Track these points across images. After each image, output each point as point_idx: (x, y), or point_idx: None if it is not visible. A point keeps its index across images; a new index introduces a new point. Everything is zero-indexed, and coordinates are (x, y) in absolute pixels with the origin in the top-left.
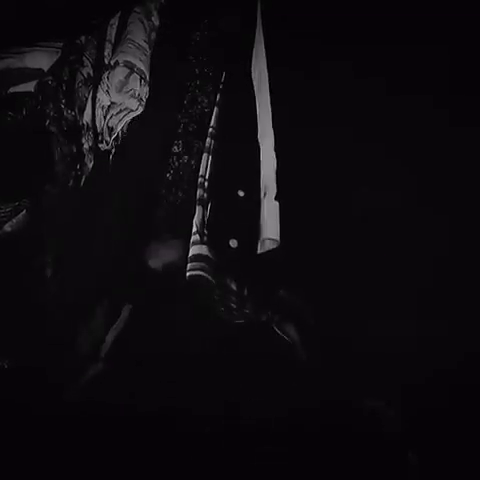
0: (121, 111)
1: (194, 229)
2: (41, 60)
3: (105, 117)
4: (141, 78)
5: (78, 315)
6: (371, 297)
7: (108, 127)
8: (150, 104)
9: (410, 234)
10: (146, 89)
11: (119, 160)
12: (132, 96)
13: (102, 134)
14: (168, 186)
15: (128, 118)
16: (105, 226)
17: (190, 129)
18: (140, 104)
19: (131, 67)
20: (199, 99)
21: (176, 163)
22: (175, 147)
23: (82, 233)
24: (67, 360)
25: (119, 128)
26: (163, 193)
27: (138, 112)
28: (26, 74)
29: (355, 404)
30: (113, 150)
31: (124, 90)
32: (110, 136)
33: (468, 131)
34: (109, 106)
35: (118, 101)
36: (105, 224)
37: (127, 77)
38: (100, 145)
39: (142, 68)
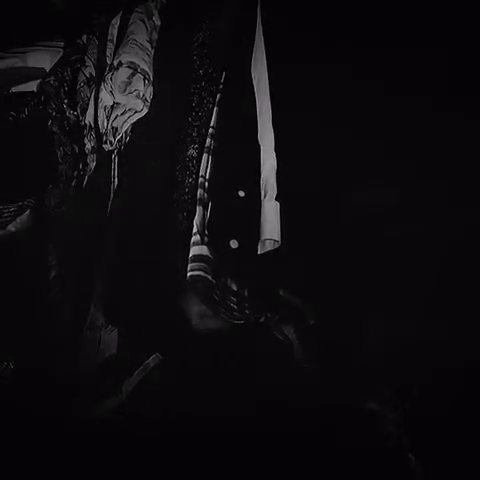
0: (126, 112)
1: (194, 229)
2: (43, 60)
3: (108, 117)
4: (145, 78)
5: (82, 317)
6: (371, 298)
7: (112, 127)
8: (156, 105)
9: (410, 234)
10: (150, 89)
11: (126, 161)
12: (137, 97)
13: (106, 135)
14: (191, 190)
15: (133, 119)
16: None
17: (203, 132)
18: (145, 105)
19: (135, 68)
20: (205, 101)
21: (196, 167)
22: (192, 151)
23: (85, 234)
24: (71, 363)
25: (124, 129)
26: (185, 198)
27: (143, 113)
28: (28, 73)
29: (354, 406)
30: (117, 151)
31: (128, 91)
32: (114, 137)
33: (466, 132)
34: (112, 106)
35: (122, 102)
36: (109, 225)
37: (130, 77)
38: (104, 145)
39: (146, 68)
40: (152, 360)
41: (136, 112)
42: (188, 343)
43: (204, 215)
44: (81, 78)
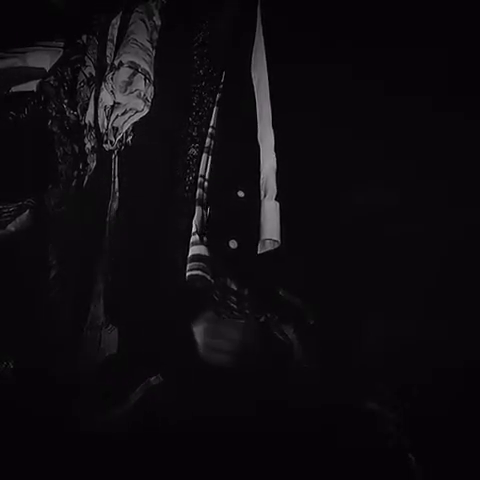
0: (126, 111)
1: (193, 229)
2: (43, 60)
3: (109, 117)
4: (146, 78)
5: (82, 316)
6: (371, 298)
7: (113, 127)
8: (157, 105)
9: (410, 234)
10: (151, 89)
11: (127, 161)
12: (137, 96)
13: (107, 134)
14: (191, 189)
15: (134, 119)
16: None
17: (203, 131)
18: (145, 104)
19: (135, 67)
20: (205, 100)
21: (196, 166)
22: (193, 150)
23: (85, 234)
24: (71, 362)
25: (124, 129)
26: (185, 197)
27: (144, 113)
28: (28, 73)
29: (354, 406)
30: (118, 151)
31: (129, 90)
32: (115, 136)
33: (466, 132)
34: (113, 106)
35: (123, 101)
36: (110, 225)
37: (131, 77)
38: (104, 145)
39: (146, 68)
40: (154, 380)
41: (137, 112)
42: (192, 371)
43: (203, 215)
44: (81, 78)
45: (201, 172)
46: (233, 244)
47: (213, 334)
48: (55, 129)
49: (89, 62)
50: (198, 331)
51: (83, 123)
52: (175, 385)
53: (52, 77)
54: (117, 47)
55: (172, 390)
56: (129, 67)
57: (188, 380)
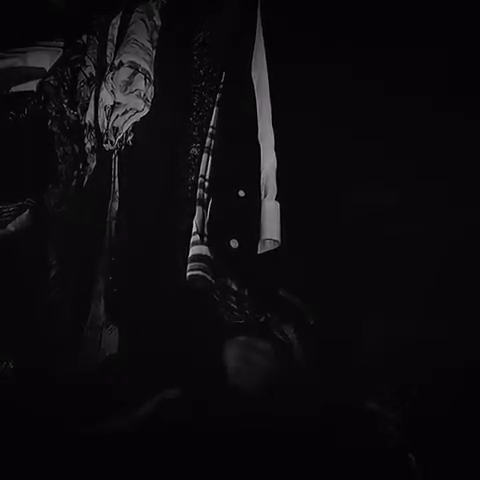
0: (127, 111)
1: (194, 229)
2: (43, 59)
3: (109, 117)
4: (146, 78)
5: (82, 316)
6: (371, 298)
7: (113, 127)
8: (157, 105)
9: (410, 234)
10: (151, 89)
11: (127, 161)
12: (137, 96)
13: (107, 134)
14: (192, 189)
15: (134, 119)
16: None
17: (204, 131)
18: (146, 104)
19: (136, 67)
20: (206, 100)
21: (198, 166)
22: (194, 149)
23: (85, 233)
24: (71, 363)
25: (125, 129)
26: (187, 197)
27: (144, 112)
28: (28, 73)
29: (354, 406)
30: (118, 151)
31: (129, 90)
32: (115, 136)
33: (466, 132)
34: (113, 106)
35: (123, 101)
36: (110, 225)
37: (131, 77)
38: (104, 145)
39: (146, 68)
40: (171, 393)
41: (137, 112)
42: (213, 391)
43: (203, 215)
44: (81, 78)
45: (201, 172)
46: (234, 243)
47: (245, 361)
48: (55, 129)
49: (89, 62)
50: (230, 356)
51: (83, 123)
52: (193, 401)
53: (52, 77)
54: (117, 47)
55: (189, 406)
56: (129, 67)
57: (206, 397)
